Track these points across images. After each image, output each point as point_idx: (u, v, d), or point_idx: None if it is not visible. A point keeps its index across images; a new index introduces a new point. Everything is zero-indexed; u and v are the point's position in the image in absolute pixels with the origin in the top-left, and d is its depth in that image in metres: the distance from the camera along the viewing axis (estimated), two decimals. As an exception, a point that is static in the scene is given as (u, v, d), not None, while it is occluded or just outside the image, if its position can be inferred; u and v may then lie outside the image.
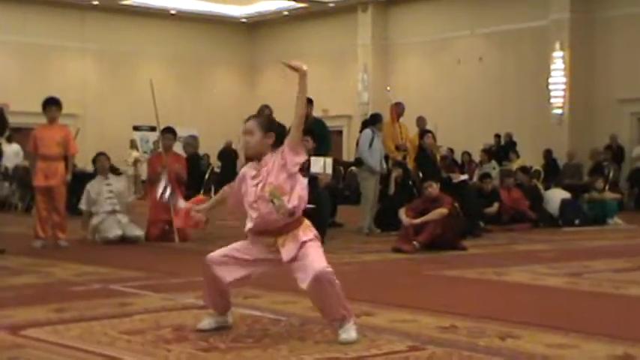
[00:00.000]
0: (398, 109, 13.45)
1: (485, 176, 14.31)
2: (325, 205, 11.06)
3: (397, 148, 12.80)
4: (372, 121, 13.10)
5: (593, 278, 7.57)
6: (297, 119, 4.76)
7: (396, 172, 12.76)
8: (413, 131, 14.20)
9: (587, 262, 8.84)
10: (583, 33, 21.68)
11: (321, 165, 11.04)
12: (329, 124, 14.54)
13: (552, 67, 21.77)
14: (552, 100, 21.83)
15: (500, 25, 23.35)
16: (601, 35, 21.58)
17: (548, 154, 21.18)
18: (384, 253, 9.67)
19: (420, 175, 11.99)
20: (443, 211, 9.98)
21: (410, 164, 12.79)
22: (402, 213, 10.18)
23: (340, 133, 26.82)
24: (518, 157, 20.15)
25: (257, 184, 4.78)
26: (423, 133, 12.92)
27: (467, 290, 6.99)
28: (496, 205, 13.35)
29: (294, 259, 4.74)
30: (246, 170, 4.90)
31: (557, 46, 21.67)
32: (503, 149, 21.24)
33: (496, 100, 23.40)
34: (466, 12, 24.22)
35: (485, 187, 13.67)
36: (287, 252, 4.76)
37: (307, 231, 4.88)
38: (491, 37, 23.77)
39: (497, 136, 22.14)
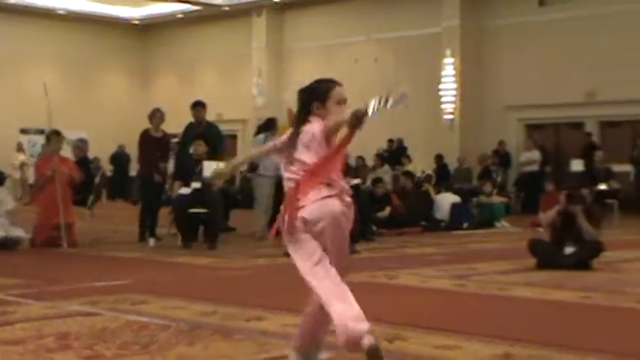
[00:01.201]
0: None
1: (378, 181, 14.47)
2: (218, 209, 11.01)
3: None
4: (267, 127, 13.10)
5: (479, 280, 7.75)
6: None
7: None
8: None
9: (475, 264, 9.04)
10: (473, 41, 22.23)
11: (214, 169, 10.96)
12: (224, 128, 14.46)
13: (443, 73, 22.24)
14: (443, 106, 22.30)
15: (394, 32, 23.68)
16: (490, 43, 22.18)
17: (439, 158, 21.60)
18: (276, 258, 9.64)
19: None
20: (335, 215, 10.02)
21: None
22: (295, 217, 10.17)
23: (235, 137, 26.69)
24: (410, 161, 20.47)
25: None
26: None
27: (357, 293, 7.00)
28: (388, 209, 13.53)
29: None
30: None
31: (448, 52, 22.15)
32: (396, 154, 21.55)
33: (389, 105, 23.67)
34: (361, 18, 24.45)
35: (378, 191, 13.82)
36: None
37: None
38: (385, 42, 24.07)
39: (391, 140, 22.44)
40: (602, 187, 16.64)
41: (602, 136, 20.57)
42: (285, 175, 4.28)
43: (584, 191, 12.31)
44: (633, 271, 8.55)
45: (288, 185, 4.25)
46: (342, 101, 4.23)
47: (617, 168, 18.46)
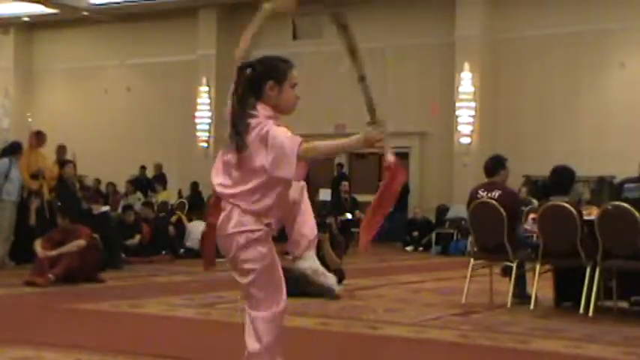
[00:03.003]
0: (38, 138, 13.03)
1: (128, 208, 14.23)
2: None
3: (33, 176, 12.31)
4: (11, 150, 12.52)
5: (226, 308, 7.78)
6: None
7: (35, 202, 12.28)
8: (53, 159, 13.76)
9: (224, 292, 9.07)
10: (227, 69, 22.43)
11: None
12: (-35, 149, 13.62)
13: (199, 101, 22.32)
14: (198, 134, 22.35)
15: (148, 57, 23.49)
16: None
17: (195, 186, 21.53)
18: (15, 287, 9.20)
19: (59, 205, 11.61)
20: (80, 242, 9.75)
21: (47, 194, 12.36)
22: (38, 244, 9.79)
23: (-22, 159, 25.24)
24: (164, 188, 20.26)
25: None
26: (64, 162, 12.56)
27: (98, 324, 6.86)
28: (137, 237, 13.34)
29: None
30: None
31: (204, 81, 22.28)
32: (149, 181, 21.25)
33: (143, 131, 23.44)
34: (115, 42, 24.07)
35: (128, 218, 13.60)
36: None
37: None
38: (139, 68, 23.81)
39: (143, 167, 22.12)
40: (348, 216, 17.33)
41: (350, 168, 21.49)
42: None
43: (330, 219, 12.80)
44: (370, 298, 8.94)
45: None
46: (295, 85, 3.72)
47: (363, 198, 19.33)
